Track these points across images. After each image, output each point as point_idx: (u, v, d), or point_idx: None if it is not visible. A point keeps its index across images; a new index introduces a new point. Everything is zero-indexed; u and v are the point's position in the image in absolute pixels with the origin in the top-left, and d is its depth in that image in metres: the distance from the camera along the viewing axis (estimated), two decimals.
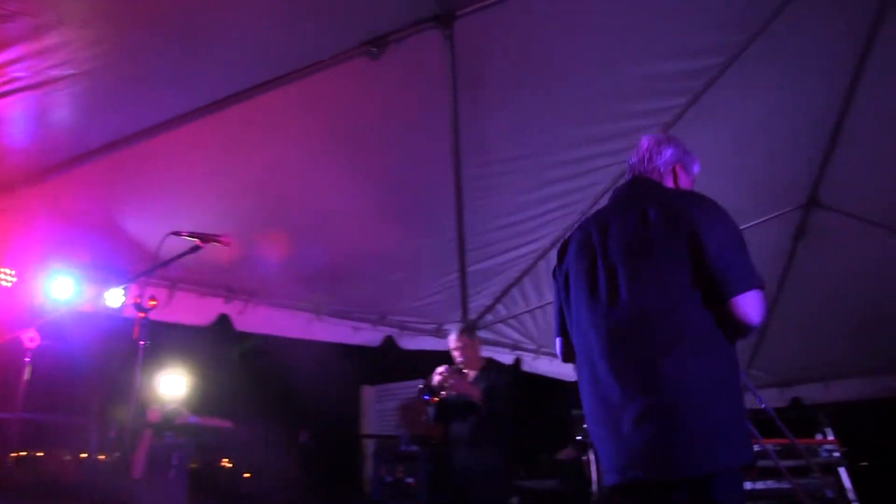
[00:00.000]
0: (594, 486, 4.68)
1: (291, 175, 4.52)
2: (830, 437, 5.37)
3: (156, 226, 4.23)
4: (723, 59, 4.57)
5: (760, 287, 2.05)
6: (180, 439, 4.66)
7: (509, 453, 4.65)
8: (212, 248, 3.49)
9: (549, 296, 6.35)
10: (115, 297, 4.33)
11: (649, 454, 2.02)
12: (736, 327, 2.05)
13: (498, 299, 6.44)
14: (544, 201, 5.39)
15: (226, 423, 4.93)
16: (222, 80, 3.79)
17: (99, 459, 4.80)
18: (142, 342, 2.88)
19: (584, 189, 5.42)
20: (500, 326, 6.67)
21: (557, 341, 2.50)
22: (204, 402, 4.86)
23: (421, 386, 4.46)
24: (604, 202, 5.39)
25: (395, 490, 5.78)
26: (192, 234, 3.03)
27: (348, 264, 5.42)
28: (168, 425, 4.58)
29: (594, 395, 2.21)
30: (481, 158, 4.81)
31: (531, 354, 7.00)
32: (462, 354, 4.66)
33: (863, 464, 5.20)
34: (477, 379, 4.61)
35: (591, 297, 2.25)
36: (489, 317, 6.55)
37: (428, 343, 6.40)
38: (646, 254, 2.14)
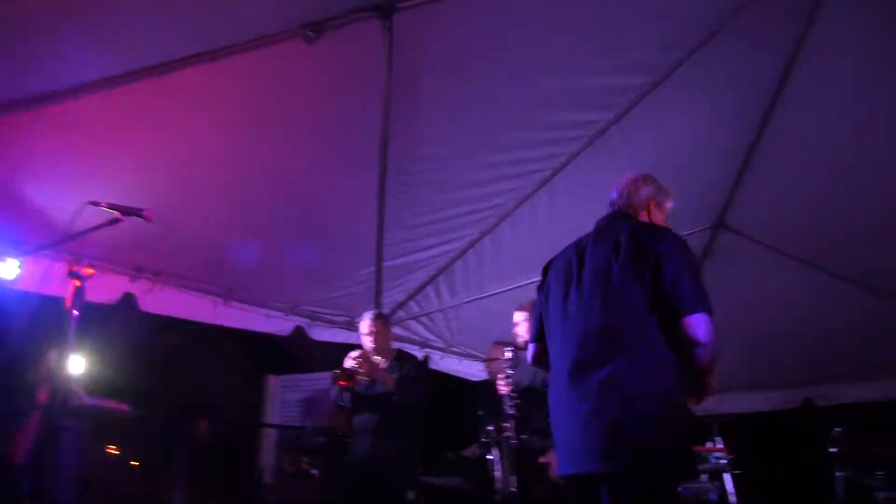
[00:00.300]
0: (497, 485, 4.73)
1: (211, 152, 4.36)
2: (720, 445, 5.63)
3: (60, 196, 4.01)
4: (653, 77, 4.72)
5: (708, 311, 2.36)
6: (73, 421, 4.41)
7: (415, 447, 4.61)
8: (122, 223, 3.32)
9: (464, 296, 6.41)
10: (10, 269, 4.06)
11: (597, 448, 2.32)
12: (686, 344, 2.34)
13: (411, 296, 6.43)
14: (466, 202, 5.43)
15: (123, 407, 4.70)
16: (144, 49, 3.60)
17: None
18: (75, 312, 2.68)
19: (506, 193, 5.49)
20: (412, 323, 6.66)
21: (531, 347, 2.84)
22: (101, 383, 4.62)
23: (336, 371, 4.34)
24: (525, 208, 5.56)
25: (299, 481, 5.67)
26: (111, 206, 2.84)
27: (262, 249, 5.27)
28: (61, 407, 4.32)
29: (560, 397, 2.52)
30: (409, 154, 4.78)
31: (440, 353, 7.02)
32: (374, 341, 4.56)
33: (737, 471, 5.54)
34: (389, 368, 4.54)
35: (564, 312, 2.58)
36: (401, 313, 6.54)
37: (339, 335, 6.32)
38: (614, 278, 2.46)
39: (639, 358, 2.34)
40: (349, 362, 4.38)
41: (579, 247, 2.68)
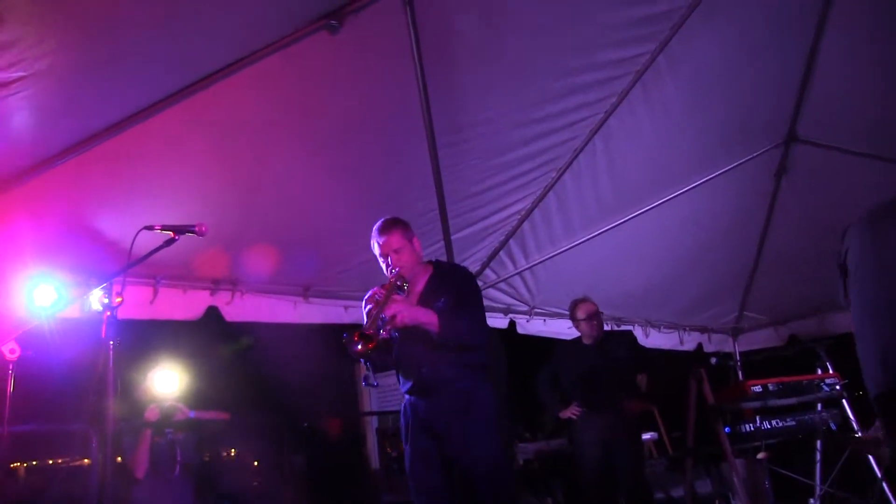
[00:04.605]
0: None
1: (262, 162, 4.43)
2: (830, 372, 5.40)
3: (133, 224, 4.16)
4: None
5: None
6: (180, 435, 4.62)
7: (489, 410, 3.22)
8: (192, 242, 3.40)
9: (537, 256, 6.33)
10: (99, 300, 4.26)
11: None
12: None
13: (485, 265, 6.41)
14: (521, 161, 5.32)
15: (222, 415, 4.89)
16: (174, 72, 3.65)
17: (99, 464, 4.75)
18: (111, 342, 2.79)
19: (561, 145, 5.36)
20: (491, 291, 6.63)
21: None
22: (199, 396, 4.81)
23: (345, 336, 2.92)
24: (583, 157, 5.40)
25: (401, 464, 5.76)
26: (164, 227, 2.94)
27: (330, 244, 5.36)
28: (167, 422, 4.54)
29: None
30: (453, 124, 4.71)
31: (525, 317, 6.97)
32: (398, 260, 3.18)
33: (858, 393, 5.27)
34: (426, 293, 3.26)
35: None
36: (479, 282, 6.51)
37: None
38: None
39: None
40: (365, 307, 3.07)
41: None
